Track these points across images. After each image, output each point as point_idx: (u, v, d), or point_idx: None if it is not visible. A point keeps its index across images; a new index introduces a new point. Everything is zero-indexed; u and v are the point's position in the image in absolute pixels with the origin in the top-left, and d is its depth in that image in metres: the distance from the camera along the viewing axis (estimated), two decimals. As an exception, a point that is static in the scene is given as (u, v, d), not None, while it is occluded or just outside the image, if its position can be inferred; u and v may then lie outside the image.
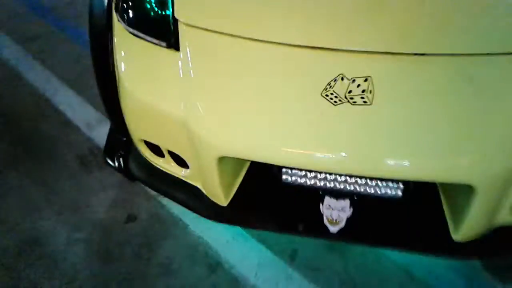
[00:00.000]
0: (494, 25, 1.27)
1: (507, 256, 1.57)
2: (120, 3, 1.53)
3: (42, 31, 3.19)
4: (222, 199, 1.49)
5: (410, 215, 1.45)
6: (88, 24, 1.65)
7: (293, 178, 1.40)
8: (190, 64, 1.38)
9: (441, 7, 1.30)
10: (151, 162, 1.65)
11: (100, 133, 2.29)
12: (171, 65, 1.41)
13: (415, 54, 1.24)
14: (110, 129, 1.88)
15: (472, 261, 1.56)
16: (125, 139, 1.74)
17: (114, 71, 1.58)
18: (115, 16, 1.55)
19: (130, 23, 1.50)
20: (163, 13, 1.46)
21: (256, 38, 1.34)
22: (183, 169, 1.57)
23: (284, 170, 1.40)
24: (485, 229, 1.34)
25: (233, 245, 1.74)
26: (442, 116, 1.21)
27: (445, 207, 1.41)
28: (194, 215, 1.59)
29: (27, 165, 2.16)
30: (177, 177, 1.59)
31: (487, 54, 1.24)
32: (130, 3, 1.51)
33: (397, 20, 1.29)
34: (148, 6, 1.49)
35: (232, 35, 1.36)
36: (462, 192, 1.29)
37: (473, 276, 1.55)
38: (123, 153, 1.74)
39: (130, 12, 1.50)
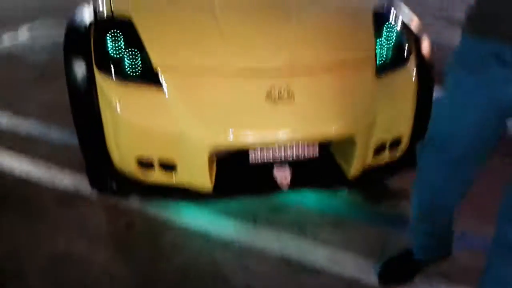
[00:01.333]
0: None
1: (374, 183, 2.48)
2: (106, 64, 2.07)
3: None
4: (210, 186, 2.03)
5: (322, 167, 2.19)
6: (67, 80, 2.12)
7: (255, 155, 2.03)
8: (173, 92, 1.99)
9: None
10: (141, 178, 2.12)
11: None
12: (156, 96, 2.00)
13: None
14: (88, 167, 2.29)
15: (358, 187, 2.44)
16: (106, 169, 2.17)
17: (95, 115, 2.08)
18: (97, 73, 2.07)
19: (119, 77, 2.05)
20: (142, 66, 2.06)
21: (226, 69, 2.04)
22: (172, 174, 2.06)
23: (250, 151, 2.00)
24: (362, 169, 2.17)
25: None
26: (331, 102, 2.09)
27: (338, 159, 2.19)
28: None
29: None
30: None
31: None
32: (116, 63, 2.07)
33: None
34: (131, 64, 2.07)
35: (202, 74, 2.07)
36: (347, 147, 2.10)
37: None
38: (113, 179, 2.19)
39: (117, 69, 2.06)
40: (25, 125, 3.17)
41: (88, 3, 2.45)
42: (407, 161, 2.25)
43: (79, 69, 2.13)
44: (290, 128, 1.99)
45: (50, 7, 5.77)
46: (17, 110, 3.33)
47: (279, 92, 1.99)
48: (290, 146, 2.03)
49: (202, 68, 2.07)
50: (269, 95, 1.99)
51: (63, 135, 3.02)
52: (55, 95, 3.43)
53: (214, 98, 2.01)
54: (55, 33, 4.86)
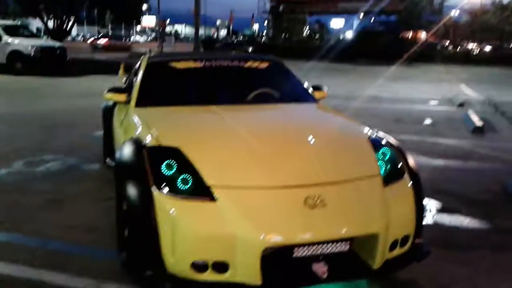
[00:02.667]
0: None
1: (395, 271, 2.82)
2: (164, 184, 2.51)
3: None
4: (259, 281, 2.35)
5: (351, 260, 2.58)
6: (121, 198, 2.55)
7: (299, 252, 2.40)
8: (227, 203, 2.40)
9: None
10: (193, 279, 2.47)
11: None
12: (211, 207, 2.43)
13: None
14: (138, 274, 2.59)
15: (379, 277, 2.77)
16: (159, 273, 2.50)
17: (152, 227, 2.47)
18: (156, 191, 2.48)
19: (175, 193, 2.48)
20: (195, 183, 2.51)
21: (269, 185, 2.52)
22: (223, 274, 2.46)
23: (295, 248, 2.38)
24: (382, 261, 2.67)
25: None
26: (356, 207, 2.59)
27: (360, 253, 2.58)
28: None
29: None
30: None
31: None
32: (172, 183, 2.53)
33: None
34: (185, 182, 2.56)
35: (250, 187, 2.55)
36: (369, 242, 2.62)
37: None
38: (167, 281, 2.50)
39: (174, 187, 2.50)
40: (53, 244, 3.38)
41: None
42: (413, 255, 2.75)
43: (137, 189, 2.54)
44: (327, 229, 2.43)
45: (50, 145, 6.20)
46: (40, 231, 3.56)
47: (314, 200, 2.48)
48: (326, 243, 2.45)
49: (249, 183, 2.54)
50: (306, 203, 2.46)
51: (86, 251, 3.28)
52: (67, 218, 3.75)
53: (262, 207, 2.45)
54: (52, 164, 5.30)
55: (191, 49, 32.51)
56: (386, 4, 36.87)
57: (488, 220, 3.87)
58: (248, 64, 4.23)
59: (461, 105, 10.52)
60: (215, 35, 64.11)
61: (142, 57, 4.59)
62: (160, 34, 33.70)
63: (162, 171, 2.57)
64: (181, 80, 4.05)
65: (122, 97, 3.82)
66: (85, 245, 3.37)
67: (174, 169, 2.57)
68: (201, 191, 2.50)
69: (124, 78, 5.28)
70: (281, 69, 4.37)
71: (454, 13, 32.87)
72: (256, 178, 2.58)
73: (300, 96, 4.09)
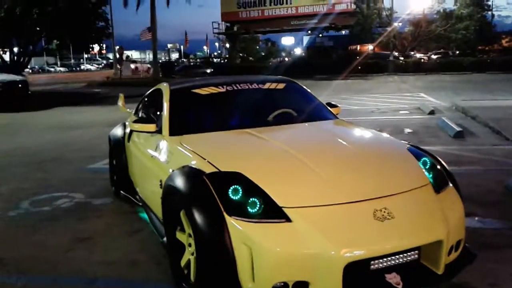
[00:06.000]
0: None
1: (456, 275, 2.86)
2: (234, 210, 2.56)
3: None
4: None
5: (418, 270, 2.69)
6: (197, 226, 2.55)
7: (377, 265, 2.49)
8: (303, 223, 2.48)
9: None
10: None
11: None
12: (287, 228, 2.50)
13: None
14: None
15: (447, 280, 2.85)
16: None
17: (229, 256, 2.51)
18: (228, 218, 2.53)
19: (248, 217, 2.53)
20: (265, 206, 2.57)
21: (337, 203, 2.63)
22: None
23: (372, 261, 2.47)
24: (444, 266, 2.80)
25: None
26: (421, 216, 2.73)
27: (422, 261, 2.71)
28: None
29: None
30: None
31: None
32: (242, 208, 2.58)
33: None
34: (258, 204, 2.60)
35: (320, 206, 2.64)
36: (433, 249, 2.72)
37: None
38: None
39: (245, 212, 2.56)
40: (100, 283, 3.34)
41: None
42: (466, 258, 2.92)
43: (209, 216, 2.59)
44: (400, 239, 2.56)
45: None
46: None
47: (382, 213, 2.61)
48: (400, 253, 2.57)
49: (318, 202, 2.64)
50: (375, 216, 2.59)
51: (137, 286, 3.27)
52: (103, 254, 3.72)
53: (337, 223, 2.56)
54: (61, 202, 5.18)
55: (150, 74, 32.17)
56: (336, 19, 38.18)
57: (506, 219, 4.12)
58: (267, 85, 4.35)
59: (431, 113, 11.03)
60: (167, 59, 63.84)
61: (156, 86, 4.62)
62: (118, 60, 33.27)
63: (230, 196, 2.62)
64: (208, 106, 4.13)
65: (152, 127, 3.83)
66: (132, 279, 3.33)
67: (241, 193, 2.63)
68: (274, 213, 2.57)
69: (134, 109, 5.25)
70: (298, 89, 4.53)
71: (398, 24, 34.42)
72: (323, 196, 2.69)
73: (322, 113, 4.24)
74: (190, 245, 2.87)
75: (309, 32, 45.37)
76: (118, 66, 32.98)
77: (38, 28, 22.06)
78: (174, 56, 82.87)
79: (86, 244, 3.97)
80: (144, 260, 3.58)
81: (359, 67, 29.22)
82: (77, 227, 4.39)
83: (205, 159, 3.01)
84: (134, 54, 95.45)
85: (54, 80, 36.71)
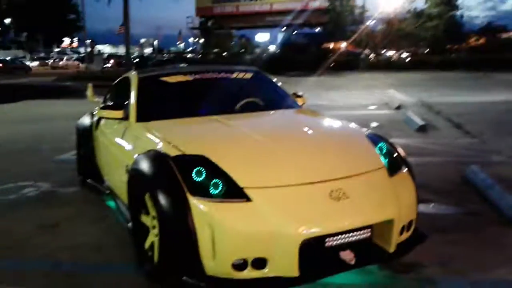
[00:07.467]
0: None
1: (406, 254, 2.97)
2: (197, 190, 2.64)
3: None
4: (297, 272, 2.56)
5: (370, 248, 2.83)
6: (159, 206, 2.63)
7: (330, 241, 2.62)
8: (262, 202, 2.59)
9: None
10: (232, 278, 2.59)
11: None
12: (247, 207, 2.60)
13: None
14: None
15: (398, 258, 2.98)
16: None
17: (191, 235, 2.61)
18: (191, 197, 2.61)
19: (210, 197, 2.63)
20: (227, 186, 2.67)
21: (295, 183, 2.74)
22: (262, 270, 2.63)
23: (327, 239, 2.60)
24: (395, 245, 2.96)
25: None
26: (375, 196, 2.87)
27: (375, 240, 2.86)
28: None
29: None
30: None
31: None
32: (206, 188, 2.67)
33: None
34: (219, 186, 2.69)
35: (279, 186, 2.75)
36: (385, 228, 2.87)
37: None
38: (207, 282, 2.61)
39: (208, 192, 2.65)
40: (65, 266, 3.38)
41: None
42: (416, 238, 3.09)
43: (172, 198, 2.67)
44: (354, 217, 2.70)
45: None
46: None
47: (338, 193, 2.74)
48: (353, 231, 2.71)
49: (278, 183, 2.76)
50: (331, 196, 2.72)
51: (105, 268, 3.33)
52: (69, 239, 3.73)
53: (294, 202, 2.68)
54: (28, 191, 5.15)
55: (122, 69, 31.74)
56: (310, 16, 38.52)
57: (460, 205, 4.33)
58: (235, 75, 4.45)
59: (398, 108, 11.32)
60: (140, 54, 63.16)
61: (124, 74, 4.66)
62: (88, 54, 32.77)
63: (194, 178, 2.71)
64: (176, 93, 4.19)
65: (119, 114, 3.88)
66: (98, 263, 3.39)
67: (204, 175, 2.72)
68: (235, 193, 2.67)
69: (102, 97, 5.26)
70: (265, 79, 4.64)
71: (370, 22, 34.98)
72: (283, 177, 2.80)
73: (287, 102, 4.37)
74: (154, 227, 2.95)
75: (284, 28, 45.63)
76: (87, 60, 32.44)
77: (6, 20, 21.59)
78: (148, 50, 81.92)
79: (52, 231, 4.00)
80: (109, 245, 3.63)
81: (333, 64, 29.56)
82: (43, 215, 4.40)
83: (170, 143, 3.09)
84: (107, 49, 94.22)
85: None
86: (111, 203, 4.36)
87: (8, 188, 5.28)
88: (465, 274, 3.08)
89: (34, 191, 5.15)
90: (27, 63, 39.05)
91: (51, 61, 43.19)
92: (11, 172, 5.98)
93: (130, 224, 3.31)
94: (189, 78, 4.25)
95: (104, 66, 35.32)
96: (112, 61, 38.40)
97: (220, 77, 4.40)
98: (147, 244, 3.04)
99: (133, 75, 4.34)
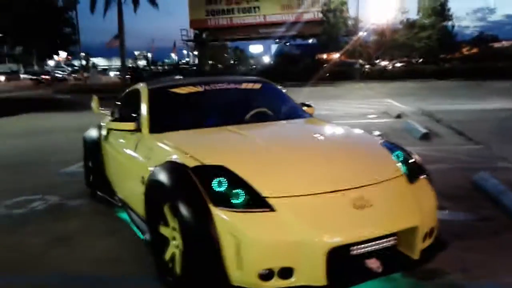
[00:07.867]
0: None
1: (430, 260, 2.97)
2: (220, 201, 2.64)
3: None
4: (325, 281, 2.55)
5: (395, 256, 2.81)
6: (182, 217, 2.61)
7: (356, 249, 2.61)
8: (286, 212, 2.59)
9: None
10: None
11: None
12: (271, 217, 2.60)
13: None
14: None
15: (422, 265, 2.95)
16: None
17: (215, 245, 2.59)
18: (214, 208, 2.60)
19: (233, 207, 2.63)
20: (250, 196, 2.66)
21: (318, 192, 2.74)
22: (289, 279, 2.61)
23: (352, 247, 2.59)
24: (419, 252, 2.94)
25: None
26: (398, 204, 2.88)
27: (399, 247, 2.83)
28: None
29: None
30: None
31: None
32: (228, 198, 2.66)
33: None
34: (242, 195, 2.68)
35: (302, 195, 2.74)
36: (409, 235, 2.83)
37: None
38: None
39: (230, 203, 2.65)
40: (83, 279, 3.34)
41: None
42: (437, 245, 3.08)
43: (194, 208, 2.65)
44: (378, 225, 2.70)
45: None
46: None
47: (361, 202, 2.74)
48: (379, 239, 2.71)
49: (301, 192, 2.75)
50: (355, 204, 2.72)
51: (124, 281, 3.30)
52: (84, 253, 3.69)
53: (319, 211, 2.67)
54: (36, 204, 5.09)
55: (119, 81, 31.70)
56: (303, 27, 38.77)
57: (473, 211, 4.34)
58: (244, 85, 4.46)
59: (398, 116, 11.38)
60: (134, 66, 63.18)
61: (132, 87, 4.65)
62: (83, 67, 32.79)
63: (215, 188, 2.70)
64: (187, 104, 4.19)
65: (131, 126, 3.86)
66: (116, 276, 3.36)
67: (225, 185, 2.71)
68: (257, 203, 2.66)
69: (111, 110, 5.25)
70: (274, 89, 4.66)
71: (364, 33, 35.25)
72: (305, 186, 2.79)
73: (297, 112, 4.38)
74: (174, 238, 2.92)
75: (277, 40, 45.88)
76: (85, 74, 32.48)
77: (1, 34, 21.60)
78: (142, 63, 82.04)
79: (65, 244, 3.96)
80: (125, 257, 3.60)
81: (327, 75, 29.69)
82: (55, 228, 4.36)
83: (187, 154, 3.07)
84: (101, 62, 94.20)
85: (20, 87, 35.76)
86: (124, 215, 4.32)
87: (16, 202, 5.23)
88: (491, 278, 3.08)
89: (42, 204, 5.10)
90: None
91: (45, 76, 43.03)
92: (19, 186, 5.92)
93: (147, 236, 3.28)
94: (199, 89, 4.25)
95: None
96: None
97: (230, 87, 4.40)
98: (167, 256, 3.01)
99: (142, 87, 4.34)
